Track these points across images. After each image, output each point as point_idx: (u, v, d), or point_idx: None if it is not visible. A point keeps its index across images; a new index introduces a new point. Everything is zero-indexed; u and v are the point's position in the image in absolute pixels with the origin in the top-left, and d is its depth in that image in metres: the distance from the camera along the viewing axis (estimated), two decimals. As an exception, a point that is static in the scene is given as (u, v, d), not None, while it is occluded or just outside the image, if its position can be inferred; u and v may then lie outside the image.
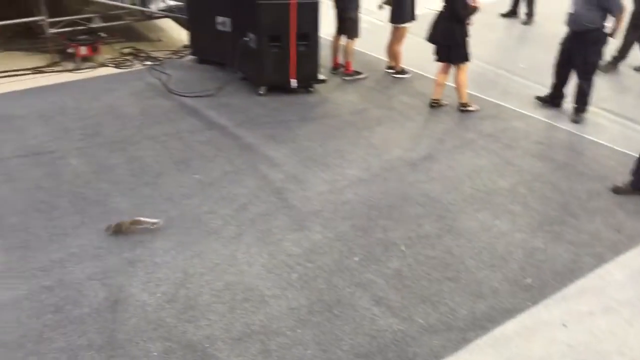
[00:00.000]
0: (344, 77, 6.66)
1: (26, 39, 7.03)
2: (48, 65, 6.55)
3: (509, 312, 3.41)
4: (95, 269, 3.65)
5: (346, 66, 6.68)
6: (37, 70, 6.43)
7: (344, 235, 4.03)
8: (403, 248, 3.90)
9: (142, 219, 3.96)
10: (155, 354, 3.10)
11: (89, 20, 6.94)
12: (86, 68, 6.57)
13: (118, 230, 3.89)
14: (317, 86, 6.32)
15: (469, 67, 5.85)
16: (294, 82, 6.11)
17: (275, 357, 3.07)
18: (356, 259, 3.80)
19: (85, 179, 4.54)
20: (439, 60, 5.85)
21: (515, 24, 8.95)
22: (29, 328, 3.22)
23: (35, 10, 6.45)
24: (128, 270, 3.65)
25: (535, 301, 3.51)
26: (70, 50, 6.59)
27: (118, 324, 3.27)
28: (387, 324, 3.28)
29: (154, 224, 3.96)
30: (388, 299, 3.47)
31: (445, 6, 5.64)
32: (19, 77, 6.28)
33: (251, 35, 6.00)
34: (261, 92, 6.14)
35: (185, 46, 7.24)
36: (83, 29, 6.80)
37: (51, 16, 6.48)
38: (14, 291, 3.46)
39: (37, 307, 3.36)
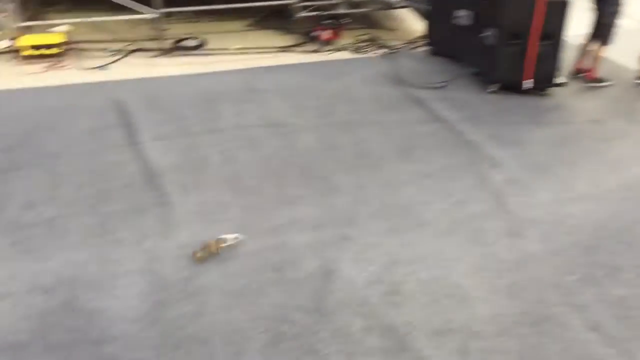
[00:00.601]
0: (586, 83, 6.19)
1: (278, 19, 7.69)
2: (293, 46, 7.10)
3: None
4: (313, 238, 3.93)
5: (590, 72, 6.20)
6: (283, 49, 7.01)
7: (563, 250, 3.79)
8: (630, 276, 3.56)
9: (225, 236, 3.89)
10: (356, 328, 3.25)
11: (334, 6, 7.38)
12: (326, 51, 6.99)
13: (207, 251, 3.78)
14: (553, 90, 5.97)
15: None
16: (528, 83, 5.84)
17: (473, 359, 3.03)
18: (573, 277, 3.56)
19: (315, 155, 4.87)
20: None
21: None
22: (251, 280, 3.58)
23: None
24: (342, 245, 3.86)
25: None
26: (314, 34, 7.07)
27: (327, 293, 3.48)
28: (602, 354, 3.03)
29: (235, 238, 3.91)
30: (605, 326, 3.19)
31: None
32: (268, 54, 6.91)
33: (490, 31, 5.86)
34: (492, 90, 5.98)
35: (420, 37, 7.33)
36: (328, 14, 7.26)
37: (302, 0, 7.02)
38: (243, 246, 3.87)
39: (261, 264, 3.71)
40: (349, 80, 6.31)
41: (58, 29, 6.69)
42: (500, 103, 5.80)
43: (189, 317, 3.32)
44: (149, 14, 6.67)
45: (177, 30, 7.24)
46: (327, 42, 7.07)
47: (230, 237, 3.83)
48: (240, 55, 6.82)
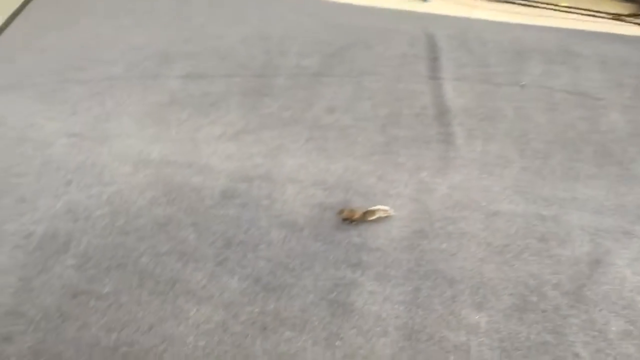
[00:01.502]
0: None
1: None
2: (628, 15, 6.37)
3: None
4: (590, 222, 3.65)
5: None
6: (615, 17, 6.34)
7: None
8: None
9: (374, 208, 3.57)
10: (613, 329, 3.00)
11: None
12: (666, 28, 6.15)
13: (349, 218, 3.55)
14: None
15: None
16: None
17: None
18: None
19: (619, 137, 4.42)
20: None
21: None
22: (513, 242, 3.50)
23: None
24: (622, 239, 3.52)
25: None
26: (659, 6, 6.24)
27: (590, 282, 3.25)
28: None
29: (386, 211, 3.60)
30: None
31: None
32: (595, 19, 6.32)
33: None
34: None
35: None
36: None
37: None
38: (513, 205, 3.77)
39: (528, 229, 3.59)
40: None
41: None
42: None
43: (443, 255, 3.40)
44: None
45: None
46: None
47: (382, 208, 3.60)
48: (565, 13, 6.35)
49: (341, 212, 3.60)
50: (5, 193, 3.67)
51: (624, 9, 6.52)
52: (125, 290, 3.13)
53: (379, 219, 3.61)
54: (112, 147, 4.08)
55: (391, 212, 3.66)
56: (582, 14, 6.35)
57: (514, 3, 6.49)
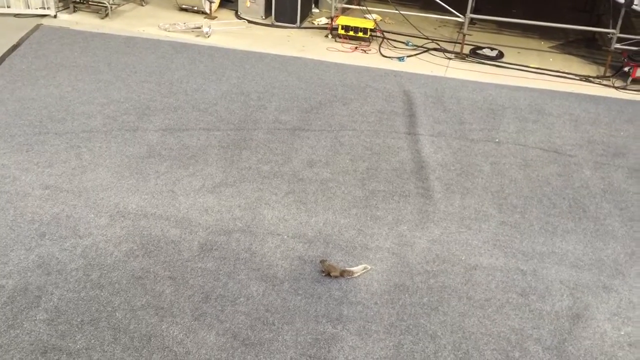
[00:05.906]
0: None
1: (586, 47, 7.26)
2: (597, 77, 6.62)
3: None
4: (569, 276, 3.66)
5: None
6: (584, 78, 6.58)
7: None
8: None
9: (353, 269, 3.57)
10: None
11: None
12: (634, 90, 6.37)
13: (327, 272, 3.54)
14: None
15: None
16: None
17: None
18: None
19: (592, 192, 4.50)
20: None
21: None
22: (494, 296, 3.48)
23: (606, 23, 6.56)
24: (601, 293, 3.54)
25: None
26: (626, 69, 6.48)
27: (572, 337, 3.23)
28: None
29: (364, 269, 3.61)
30: None
31: None
32: (564, 80, 6.55)
33: None
34: None
35: None
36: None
37: (621, 32, 6.47)
38: (492, 259, 3.78)
39: (508, 284, 3.59)
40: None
41: (369, 16, 7.19)
42: None
43: (424, 309, 3.36)
44: (459, 17, 6.78)
45: (476, 37, 7.27)
46: (637, 80, 6.43)
47: (358, 269, 3.59)
48: (533, 74, 6.58)
49: (323, 261, 3.59)
50: (-25, 245, 3.56)
51: (591, 71, 6.77)
52: (97, 346, 3.01)
53: (359, 276, 3.59)
54: (89, 199, 4.01)
55: (369, 268, 3.65)
56: (552, 75, 6.59)
57: (485, 64, 6.71)
